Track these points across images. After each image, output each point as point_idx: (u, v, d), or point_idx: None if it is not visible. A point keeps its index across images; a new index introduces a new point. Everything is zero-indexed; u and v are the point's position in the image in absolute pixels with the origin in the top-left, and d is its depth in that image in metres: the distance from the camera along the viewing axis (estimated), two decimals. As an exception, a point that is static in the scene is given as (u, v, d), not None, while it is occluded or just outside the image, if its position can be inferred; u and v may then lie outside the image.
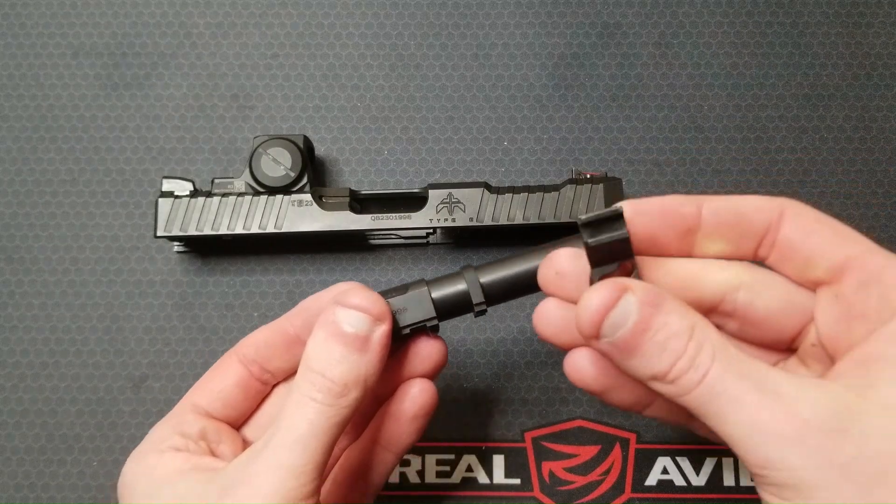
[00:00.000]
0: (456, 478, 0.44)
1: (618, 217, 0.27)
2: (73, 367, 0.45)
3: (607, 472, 0.44)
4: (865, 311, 0.27)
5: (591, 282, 0.28)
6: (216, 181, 0.43)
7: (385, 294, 0.32)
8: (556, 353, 0.45)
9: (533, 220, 0.42)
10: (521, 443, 0.44)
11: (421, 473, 0.44)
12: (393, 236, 0.46)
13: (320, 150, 0.47)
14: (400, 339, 0.33)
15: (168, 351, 0.45)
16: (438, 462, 0.44)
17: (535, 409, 0.45)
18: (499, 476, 0.44)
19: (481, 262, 0.45)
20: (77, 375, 0.45)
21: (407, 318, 0.32)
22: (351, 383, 0.29)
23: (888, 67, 0.48)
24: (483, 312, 0.33)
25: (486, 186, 0.43)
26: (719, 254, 0.29)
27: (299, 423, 0.29)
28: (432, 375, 0.35)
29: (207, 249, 0.46)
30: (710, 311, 0.30)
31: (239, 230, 0.42)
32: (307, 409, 0.29)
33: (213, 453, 0.32)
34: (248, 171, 0.42)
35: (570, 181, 0.43)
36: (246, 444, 0.34)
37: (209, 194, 0.42)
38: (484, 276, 0.32)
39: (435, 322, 0.32)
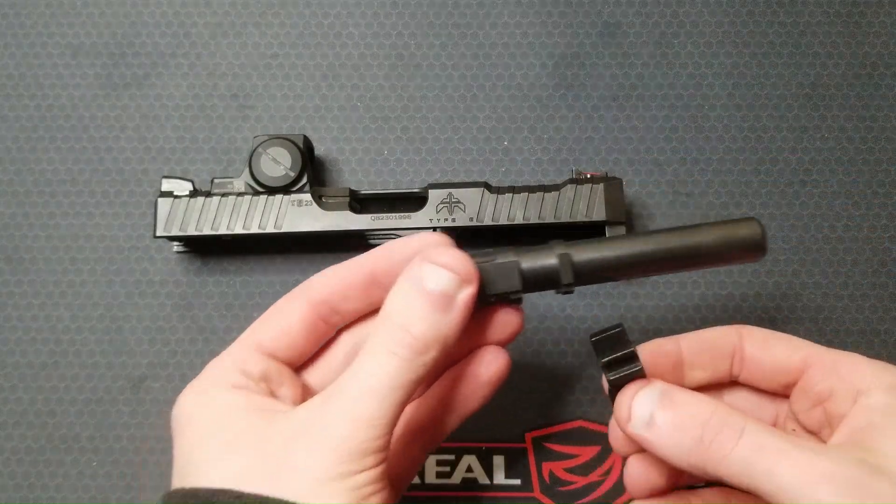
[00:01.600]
0: (456, 478, 0.44)
1: (632, 357, 0.31)
2: (73, 367, 0.45)
3: (608, 472, 0.44)
4: (832, 395, 0.32)
5: (607, 390, 0.33)
6: (216, 181, 0.43)
7: (473, 256, 0.31)
8: (556, 354, 0.45)
9: (533, 220, 0.42)
10: (522, 443, 0.44)
11: (421, 474, 0.44)
12: (393, 236, 0.46)
13: (320, 149, 0.47)
14: (482, 305, 0.32)
15: (167, 351, 0.45)
16: (438, 462, 0.44)
17: (536, 410, 0.45)
18: (499, 476, 0.44)
19: None
20: (77, 375, 0.45)
21: (491, 286, 0.32)
22: (431, 342, 0.29)
23: (888, 67, 0.48)
24: (569, 292, 0.32)
25: (486, 186, 0.43)
26: (703, 381, 0.35)
27: (377, 374, 0.28)
28: (506, 343, 0.35)
29: (207, 249, 0.46)
30: None
31: (238, 230, 0.42)
32: (386, 362, 0.28)
33: (272, 395, 0.31)
34: (247, 170, 0.42)
35: (571, 181, 0.43)
36: (306, 388, 0.33)
37: (209, 194, 0.42)
38: (576, 254, 0.32)
39: (519, 294, 0.32)
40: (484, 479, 0.44)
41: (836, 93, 0.48)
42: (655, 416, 0.30)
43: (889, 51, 0.48)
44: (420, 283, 0.29)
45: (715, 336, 0.34)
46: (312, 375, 0.34)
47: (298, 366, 0.33)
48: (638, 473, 0.34)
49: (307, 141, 0.44)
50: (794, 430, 0.35)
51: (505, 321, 0.34)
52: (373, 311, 0.33)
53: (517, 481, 0.44)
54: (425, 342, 0.29)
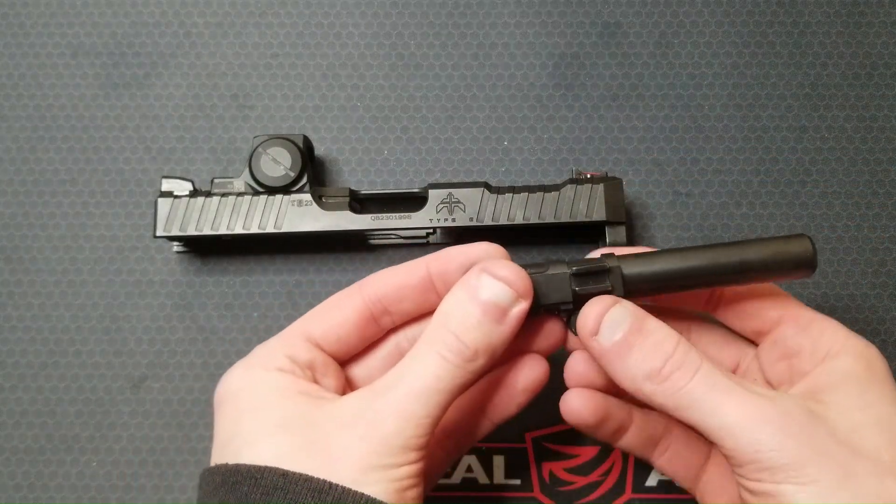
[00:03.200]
0: (456, 478, 0.44)
1: (604, 271, 0.32)
2: (73, 368, 0.45)
3: (608, 472, 0.44)
4: (801, 352, 0.33)
5: (570, 327, 0.33)
6: (216, 181, 0.43)
7: (526, 267, 0.32)
8: (556, 354, 0.45)
9: (533, 220, 0.42)
10: (522, 443, 0.44)
11: (421, 474, 0.44)
12: (393, 236, 0.46)
13: (320, 149, 0.47)
14: (531, 315, 0.32)
15: (167, 351, 0.45)
16: (438, 462, 0.44)
17: (536, 410, 0.45)
18: (499, 476, 0.44)
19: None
20: (77, 375, 0.45)
21: (543, 297, 0.32)
22: (482, 350, 0.30)
23: (888, 67, 0.48)
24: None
25: (486, 186, 0.43)
26: (675, 305, 0.36)
27: (427, 375, 0.29)
28: (547, 353, 0.35)
29: (207, 249, 0.46)
30: None
31: (238, 230, 0.42)
32: (437, 365, 0.29)
33: (316, 383, 0.32)
34: (247, 170, 0.42)
35: (571, 181, 0.43)
36: (350, 382, 0.34)
37: (209, 194, 0.42)
38: (627, 267, 0.32)
39: (570, 307, 0.32)
40: (484, 479, 0.44)
41: (836, 93, 0.48)
42: (624, 336, 0.31)
43: (889, 51, 0.48)
44: (477, 292, 0.30)
45: None
46: (356, 370, 0.34)
47: (345, 360, 0.34)
48: (582, 369, 0.35)
49: (307, 141, 0.44)
50: (755, 379, 0.35)
51: (549, 331, 0.35)
52: (423, 315, 0.34)
53: (517, 481, 0.44)
54: (476, 350, 0.30)
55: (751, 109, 0.48)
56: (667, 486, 0.44)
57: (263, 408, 0.30)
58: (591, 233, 0.44)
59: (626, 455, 0.44)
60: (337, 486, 0.27)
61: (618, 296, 0.32)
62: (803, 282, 0.46)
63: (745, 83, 0.48)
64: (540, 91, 0.48)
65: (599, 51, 0.48)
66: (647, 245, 0.46)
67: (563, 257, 0.33)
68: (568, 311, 0.33)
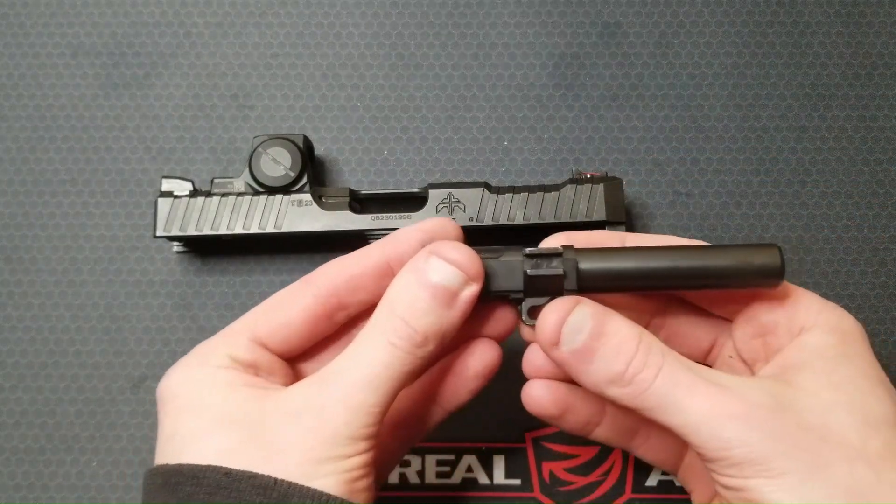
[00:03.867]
0: (456, 478, 0.44)
1: (557, 255, 0.31)
2: (73, 367, 0.45)
3: (608, 472, 0.44)
4: (776, 328, 0.32)
5: (521, 315, 0.32)
6: (216, 181, 0.43)
7: (479, 251, 0.31)
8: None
9: (533, 220, 0.42)
10: (522, 443, 0.44)
11: (421, 474, 0.44)
12: (393, 236, 0.46)
13: (320, 149, 0.47)
14: (481, 301, 0.31)
15: (167, 351, 0.45)
16: (438, 462, 0.44)
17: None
18: (499, 476, 0.44)
19: None
20: (77, 375, 0.45)
21: (494, 284, 0.31)
22: (431, 336, 0.29)
23: (888, 67, 0.48)
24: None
25: (486, 186, 0.43)
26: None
27: (375, 363, 0.28)
28: (500, 339, 0.34)
29: (207, 249, 0.46)
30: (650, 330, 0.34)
31: (238, 230, 0.42)
32: (384, 352, 0.29)
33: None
34: (247, 170, 0.42)
35: (571, 181, 0.43)
36: (300, 379, 0.32)
37: (209, 194, 0.42)
38: (584, 261, 0.31)
39: (520, 296, 0.32)
40: (484, 479, 0.44)
41: (836, 93, 0.48)
42: (585, 343, 0.30)
43: (889, 51, 0.48)
44: (426, 276, 0.29)
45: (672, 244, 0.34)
46: (311, 366, 0.33)
47: (294, 357, 0.33)
48: (541, 363, 0.34)
49: (307, 141, 0.44)
50: (731, 356, 0.35)
51: (500, 315, 0.34)
52: None
53: (517, 481, 0.44)
54: (425, 335, 0.29)
55: (751, 109, 0.48)
56: (667, 486, 0.44)
57: (204, 404, 0.29)
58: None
59: (626, 455, 0.44)
60: (283, 481, 0.26)
61: (570, 289, 0.31)
62: (803, 285, 0.46)
63: (745, 83, 0.48)
64: (540, 91, 0.48)
65: (599, 51, 0.48)
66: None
67: (521, 246, 0.32)
68: (519, 300, 0.32)
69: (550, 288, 0.31)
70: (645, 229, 0.46)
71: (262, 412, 0.28)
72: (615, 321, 0.30)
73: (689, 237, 0.46)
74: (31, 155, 0.47)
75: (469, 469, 0.44)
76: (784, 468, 0.27)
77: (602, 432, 0.36)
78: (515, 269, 0.31)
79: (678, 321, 0.36)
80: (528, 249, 0.31)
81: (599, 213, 0.42)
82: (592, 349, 0.30)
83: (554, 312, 0.30)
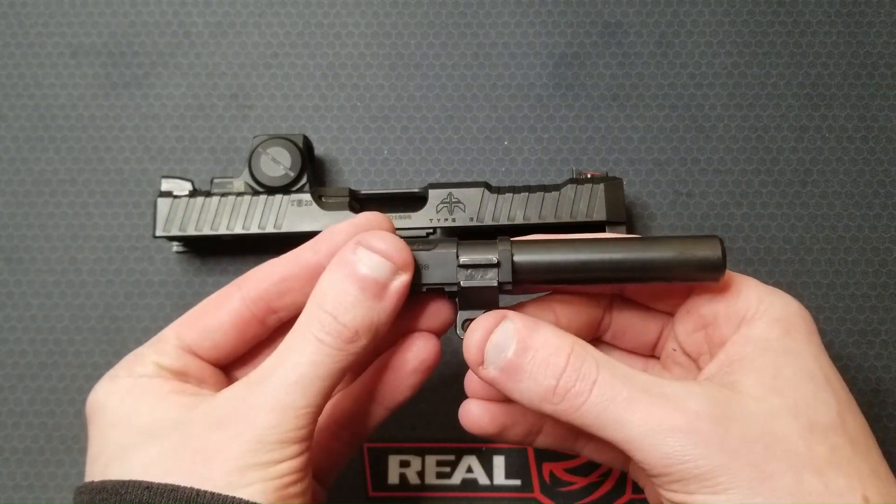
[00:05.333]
0: (456, 479, 0.44)
1: (493, 266, 0.30)
2: (73, 367, 0.45)
3: (608, 473, 0.44)
4: (716, 320, 0.31)
5: (456, 327, 0.31)
6: (215, 181, 0.43)
7: (411, 244, 0.30)
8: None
9: (533, 220, 0.42)
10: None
11: (421, 474, 0.44)
12: (393, 236, 0.46)
13: (320, 149, 0.47)
14: (414, 294, 0.31)
15: (167, 351, 0.45)
16: (438, 463, 0.44)
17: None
18: (499, 477, 0.44)
19: None
20: (76, 375, 0.45)
21: (427, 276, 0.30)
22: (362, 330, 0.28)
23: (888, 67, 0.48)
24: (509, 291, 0.31)
25: (486, 186, 0.43)
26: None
27: (304, 362, 0.27)
28: (438, 333, 0.33)
29: (207, 249, 0.46)
30: (593, 327, 0.34)
31: (238, 230, 0.42)
32: (313, 350, 0.28)
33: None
34: (247, 170, 0.42)
35: (571, 181, 0.43)
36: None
37: (208, 194, 0.42)
38: (519, 253, 0.30)
39: (454, 289, 0.31)
40: (484, 480, 0.44)
41: (836, 93, 0.48)
42: (511, 361, 0.29)
43: (889, 51, 0.48)
44: (352, 268, 0.28)
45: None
46: (245, 372, 0.32)
47: (227, 364, 0.32)
48: (479, 384, 0.33)
49: (307, 141, 0.44)
50: (674, 349, 0.34)
51: (435, 309, 0.33)
52: None
53: (517, 481, 0.44)
54: (355, 330, 0.28)
55: (751, 109, 0.48)
56: (667, 486, 0.44)
57: (129, 417, 0.28)
58: (591, 233, 0.43)
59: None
60: (206, 493, 0.25)
61: (504, 281, 0.30)
62: (803, 285, 0.46)
63: (745, 83, 0.48)
64: (540, 91, 0.48)
65: (599, 51, 0.48)
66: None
67: (456, 238, 0.31)
68: (454, 293, 0.31)
69: (485, 300, 0.30)
70: (645, 229, 0.46)
71: (189, 420, 0.27)
72: (543, 334, 0.29)
73: (689, 237, 0.46)
74: (31, 155, 0.47)
75: (469, 469, 0.44)
76: (728, 483, 0.26)
77: (544, 440, 0.35)
78: (449, 261, 0.30)
79: (622, 316, 0.35)
80: (462, 259, 0.30)
81: (600, 213, 0.42)
82: (519, 366, 0.28)
83: (477, 331, 0.29)
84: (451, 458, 0.44)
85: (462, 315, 0.31)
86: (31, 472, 0.44)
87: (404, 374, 0.33)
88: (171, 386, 0.29)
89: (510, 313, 0.30)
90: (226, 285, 0.31)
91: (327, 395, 0.28)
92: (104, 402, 0.29)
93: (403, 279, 0.29)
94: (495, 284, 0.30)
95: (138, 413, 0.28)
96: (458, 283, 0.30)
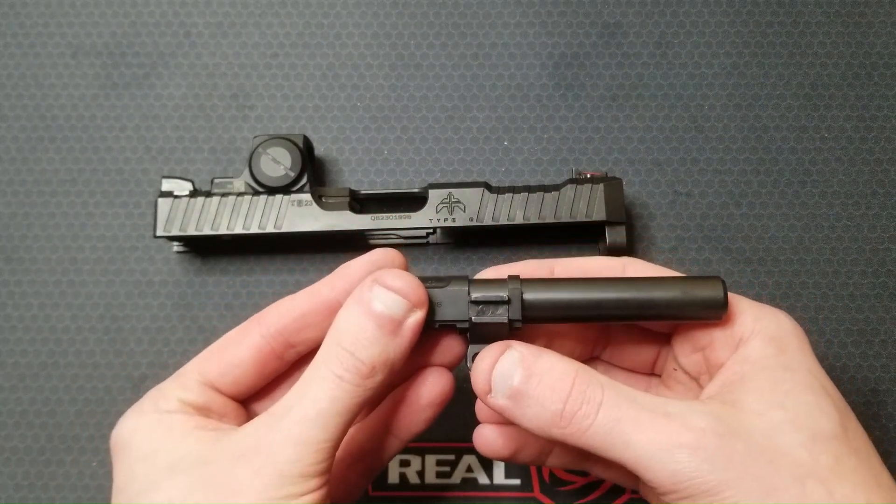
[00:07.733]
0: (456, 478, 0.44)
1: (503, 303, 0.31)
2: (73, 367, 0.45)
3: (607, 472, 0.44)
4: (713, 343, 0.32)
5: (467, 360, 0.32)
6: (216, 181, 0.43)
7: (424, 281, 0.31)
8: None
9: (533, 220, 0.42)
10: (521, 443, 0.44)
11: (421, 474, 0.44)
12: (393, 236, 0.46)
13: (320, 149, 0.47)
14: (427, 330, 0.32)
15: (168, 351, 0.45)
16: (438, 462, 0.44)
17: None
18: (499, 476, 0.44)
19: (482, 262, 0.46)
20: (77, 375, 0.45)
21: (440, 313, 0.31)
22: (379, 366, 0.29)
23: (888, 67, 0.48)
24: (518, 329, 0.32)
25: (486, 186, 0.43)
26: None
27: (323, 398, 0.28)
28: (451, 367, 0.34)
29: (207, 249, 0.46)
30: (589, 342, 0.36)
31: (238, 230, 0.42)
32: (332, 386, 0.28)
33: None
34: (247, 170, 0.42)
35: (571, 181, 0.43)
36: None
37: (209, 194, 0.42)
38: (529, 291, 0.31)
39: (466, 325, 0.32)
40: (484, 479, 0.44)
41: (836, 93, 0.48)
42: (517, 388, 0.29)
43: (889, 51, 0.48)
44: (369, 305, 0.29)
45: (601, 266, 0.34)
46: (264, 406, 0.33)
47: (247, 398, 0.33)
48: (490, 411, 0.33)
49: (307, 141, 0.44)
50: (675, 368, 0.35)
51: (449, 344, 0.34)
52: None
53: (517, 481, 0.44)
54: (372, 366, 0.29)
55: (751, 109, 0.48)
56: (667, 486, 0.44)
57: (156, 451, 0.29)
58: (591, 233, 0.44)
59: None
60: None
61: (514, 319, 0.31)
62: (803, 285, 0.46)
63: (745, 83, 0.48)
64: (540, 91, 0.48)
65: (599, 51, 0.48)
66: (645, 245, 0.46)
67: (468, 275, 0.32)
68: (465, 329, 0.32)
69: (495, 335, 0.31)
70: (645, 229, 0.47)
71: (213, 455, 0.28)
72: (546, 360, 0.30)
73: (689, 237, 0.46)
74: (31, 155, 0.47)
75: (469, 469, 0.44)
76: (735, 498, 0.27)
77: (554, 460, 0.36)
78: (461, 299, 0.31)
79: (621, 342, 0.36)
80: (474, 295, 0.31)
81: (599, 213, 0.42)
82: (525, 392, 0.29)
83: (483, 361, 0.30)
84: (451, 457, 0.44)
85: (472, 349, 0.32)
86: (31, 472, 0.44)
87: (419, 408, 0.34)
88: (195, 422, 0.30)
89: (514, 343, 0.31)
90: (245, 321, 0.32)
91: (345, 430, 0.29)
92: (129, 437, 0.30)
93: (418, 316, 0.30)
94: (505, 321, 0.31)
95: (164, 449, 0.29)
96: (470, 318, 0.31)
